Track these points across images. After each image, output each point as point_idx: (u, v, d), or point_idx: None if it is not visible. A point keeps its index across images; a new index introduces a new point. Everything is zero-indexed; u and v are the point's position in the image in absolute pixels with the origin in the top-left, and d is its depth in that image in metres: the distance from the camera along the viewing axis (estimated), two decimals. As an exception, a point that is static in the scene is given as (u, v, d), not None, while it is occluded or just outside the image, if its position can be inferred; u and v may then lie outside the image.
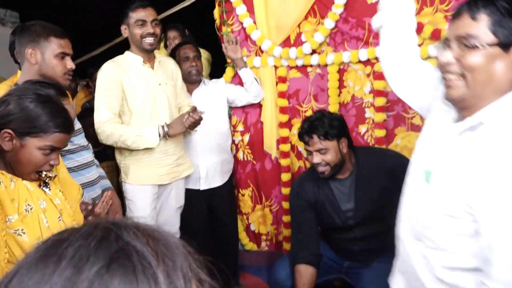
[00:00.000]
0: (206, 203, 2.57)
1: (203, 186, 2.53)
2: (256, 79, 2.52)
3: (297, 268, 1.93)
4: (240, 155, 2.73)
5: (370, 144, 2.35)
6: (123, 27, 2.12)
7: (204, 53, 3.19)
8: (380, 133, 2.30)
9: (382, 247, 1.89)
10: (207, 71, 3.19)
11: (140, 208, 2.14)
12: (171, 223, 2.29)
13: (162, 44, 3.29)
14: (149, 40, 2.08)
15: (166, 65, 2.25)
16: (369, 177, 1.93)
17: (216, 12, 2.60)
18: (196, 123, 2.07)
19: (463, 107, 0.97)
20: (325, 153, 1.87)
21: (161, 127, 2.08)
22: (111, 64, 2.10)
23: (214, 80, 2.61)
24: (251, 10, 2.51)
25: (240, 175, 2.75)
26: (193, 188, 2.52)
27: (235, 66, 2.54)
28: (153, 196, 2.18)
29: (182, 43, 2.62)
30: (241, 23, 2.55)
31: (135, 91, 2.08)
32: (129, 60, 2.13)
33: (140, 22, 2.06)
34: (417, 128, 2.25)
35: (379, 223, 1.94)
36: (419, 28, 2.12)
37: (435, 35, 2.10)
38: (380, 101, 2.28)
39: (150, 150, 2.11)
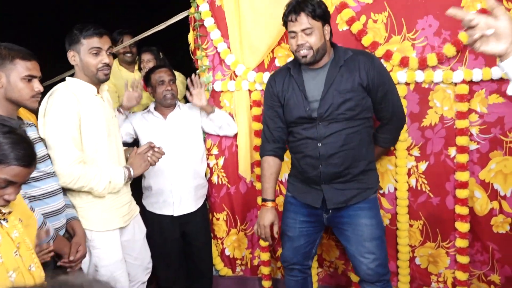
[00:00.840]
0: (180, 229, 2.52)
1: (176, 212, 2.48)
2: (228, 117, 2.51)
3: (265, 159, 2.06)
4: (215, 179, 2.70)
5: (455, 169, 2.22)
6: (70, 54, 1.90)
7: (179, 76, 3.19)
8: (461, 158, 2.16)
9: (352, 168, 1.92)
10: (182, 95, 3.18)
11: (111, 255, 1.97)
12: (143, 256, 2.21)
13: (136, 67, 3.28)
14: (106, 71, 1.91)
15: (109, 99, 2.10)
16: (344, 69, 1.89)
17: (191, 36, 2.61)
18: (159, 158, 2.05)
19: None
20: (310, 33, 1.82)
21: (126, 169, 1.96)
22: (67, 92, 1.85)
23: (189, 104, 2.60)
24: (225, 35, 2.53)
25: (214, 198, 2.73)
26: (167, 214, 2.48)
27: (204, 112, 2.50)
28: (119, 238, 2.02)
29: (157, 66, 2.61)
30: (216, 48, 2.57)
31: (92, 125, 1.87)
32: (82, 89, 1.90)
33: (95, 50, 1.87)
34: None
35: (345, 126, 1.88)
36: (388, 55, 2.18)
37: (403, 62, 2.16)
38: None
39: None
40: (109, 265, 1.95)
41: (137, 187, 2.46)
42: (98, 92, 1.97)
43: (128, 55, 3.22)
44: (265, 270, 2.65)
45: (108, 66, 1.92)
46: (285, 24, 1.91)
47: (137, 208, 2.21)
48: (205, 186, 2.64)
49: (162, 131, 2.46)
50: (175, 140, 2.46)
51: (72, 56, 1.90)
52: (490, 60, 2.07)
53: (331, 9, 2.27)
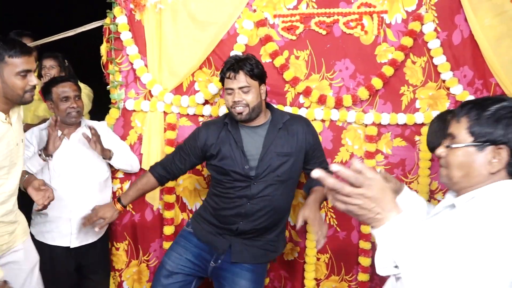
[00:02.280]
0: (75, 262, 2.23)
1: (74, 243, 2.19)
2: (128, 160, 2.34)
3: (148, 173, 2.08)
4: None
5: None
6: None
7: (85, 89, 2.93)
8: None
9: (269, 229, 1.94)
10: (88, 109, 2.90)
11: None
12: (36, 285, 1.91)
13: (35, 74, 2.92)
14: (33, 92, 1.71)
15: (20, 118, 1.86)
16: (282, 132, 1.92)
17: (103, 49, 2.40)
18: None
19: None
20: (248, 92, 1.85)
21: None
22: None
23: (95, 122, 2.35)
24: (143, 52, 2.38)
25: (116, 226, 2.48)
26: (62, 245, 2.17)
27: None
28: None
29: (59, 78, 2.28)
30: (131, 64, 2.39)
31: None
32: None
33: (24, 72, 1.66)
34: None
35: (276, 188, 1.89)
36: (308, 92, 2.24)
37: (321, 99, 2.24)
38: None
39: None
40: None
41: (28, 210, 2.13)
42: (7, 117, 1.72)
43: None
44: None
45: (35, 87, 1.73)
46: (221, 80, 1.93)
47: (23, 237, 1.91)
48: None
49: (63, 152, 2.16)
50: (78, 162, 2.19)
51: None
52: (396, 106, 2.24)
53: (255, 40, 2.28)
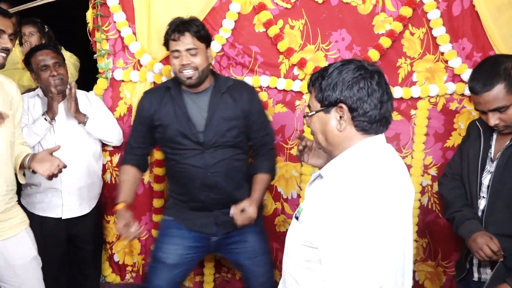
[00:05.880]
0: (66, 232, 2.21)
1: (65, 214, 2.17)
2: (106, 131, 2.23)
3: (123, 167, 2.00)
4: (108, 177, 2.43)
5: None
6: None
7: (71, 58, 2.82)
8: None
9: (239, 194, 1.91)
10: (74, 78, 2.80)
11: None
12: (28, 284, 1.83)
13: (17, 42, 2.80)
14: (4, 54, 1.64)
15: (6, 90, 1.77)
16: (226, 97, 1.89)
17: (89, 15, 2.28)
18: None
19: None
20: (196, 54, 1.80)
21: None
22: None
23: (83, 92, 2.28)
24: (131, 19, 2.27)
25: (106, 199, 2.45)
26: (53, 216, 2.14)
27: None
28: None
29: (36, 48, 2.18)
30: (119, 32, 2.29)
31: None
32: None
33: None
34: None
35: (231, 153, 1.89)
36: (303, 63, 2.17)
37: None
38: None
39: None
40: None
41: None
42: None
43: (6, 27, 2.71)
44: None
45: (8, 51, 1.65)
46: (166, 43, 1.85)
47: (14, 231, 1.81)
48: (100, 185, 2.36)
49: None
50: (66, 133, 2.13)
51: None
52: (393, 80, 2.19)
53: (249, 8, 2.19)
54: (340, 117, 1.13)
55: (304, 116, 1.27)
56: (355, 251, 1.01)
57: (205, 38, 1.83)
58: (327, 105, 1.15)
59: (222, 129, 1.86)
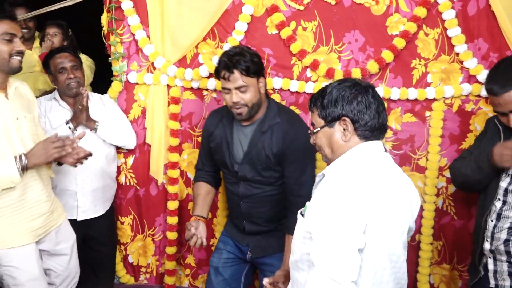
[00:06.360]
0: (81, 233, 2.24)
1: (80, 216, 2.21)
2: (118, 136, 2.26)
3: (196, 184, 2.05)
4: (122, 179, 2.45)
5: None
6: None
7: (87, 60, 2.86)
8: None
9: (273, 224, 1.93)
10: (89, 81, 2.84)
11: (26, 272, 1.73)
12: (70, 268, 1.97)
13: (35, 44, 2.86)
14: (20, 58, 1.68)
15: (22, 94, 1.81)
16: (267, 136, 1.83)
17: (104, 19, 2.31)
18: (78, 159, 1.76)
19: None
20: (245, 91, 1.75)
21: (18, 157, 1.65)
22: None
23: (98, 95, 2.31)
24: (145, 22, 2.29)
25: (120, 201, 2.48)
26: (68, 218, 2.17)
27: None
28: (36, 252, 1.78)
29: (56, 50, 2.23)
30: (133, 35, 2.32)
31: None
32: None
33: (8, 36, 1.62)
34: (421, 170, 2.23)
35: (266, 189, 1.88)
36: (315, 65, 2.17)
37: (329, 73, 2.16)
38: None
39: (18, 200, 1.71)
40: (24, 285, 1.72)
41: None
42: (1, 89, 1.69)
43: (25, 31, 2.77)
44: (168, 280, 2.49)
45: (23, 53, 1.69)
46: (216, 76, 1.83)
47: (60, 217, 1.93)
48: (114, 187, 2.39)
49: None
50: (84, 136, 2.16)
51: None
52: (407, 81, 2.17)
53: (261, 10, 2.19)
54: (344, 129, 1.27)
55: (310, 134, 1.38)
56: (340, 234, 1.13)
57: (256, 71, 1.77)
58: (330, 120, 1.29)
59: (256, 166, 1.85)
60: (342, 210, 1.15)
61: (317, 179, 1.36)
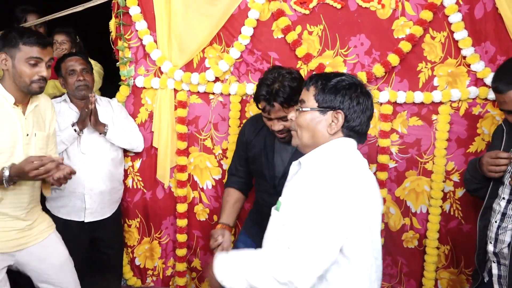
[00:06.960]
0: (89, 235, 2.27)
1: (88, 218, 2.23)
2: (126, 137, 2.27)
3: (226, 189, 2.01)
4: (129, 182, 2.48)
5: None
6: (1, 56, 1.67)
7: (96, 65, 2.89)
8: (381, 175, 2.23)
9: None
10: (98, 86, 2.88)
11: None
12: (65, 282, 1.90)
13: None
14: (42, 84, 1.70)
15: (41, 112, 1.83)
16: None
17: (112, 24, 2.35)
18: (60, 179, 1.67)
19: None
20: (286, 120, 1.67)
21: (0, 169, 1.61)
22: None
23: (106, 99, 2.35)
24: (152, 28, 2.32)
25: (127, 203, 2.50)
26: (76, 220, 2.21)
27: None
28: (1, 264, 1.74)
29: (68, 55, 2.30)
30: (140, 40, 2.35)
31: None
32: None
33: (33, 60, 1.66)
34: (428, 174, 2.22)
35: None
36: (321, 69, 2.17)
37: (335, 77, 2.16)
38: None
39: None
40: None
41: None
42: (17, 104, 1.72)
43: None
44: (179, 281, 2.51)
45: (45, 80, 1.72)
46: (256, 103, 1.75)
47: (44, 235, 1.88)
48: (121, 190, 2.42)
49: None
50: (90, 141, 2.20)
51: (3, 60, 1.69)
52: (413, 84, 2.16)
53: (267, 15, 2.21)
54: (333, 121, 1.24)
55: (297, 110, 1.32)
56: (316, 221, 1.13)
57: (296, 100, 1.68)
58: (325, 107, 1.25)
59: None
60: (330, 203, 1.14)
61: (292, 168, 1.33)
